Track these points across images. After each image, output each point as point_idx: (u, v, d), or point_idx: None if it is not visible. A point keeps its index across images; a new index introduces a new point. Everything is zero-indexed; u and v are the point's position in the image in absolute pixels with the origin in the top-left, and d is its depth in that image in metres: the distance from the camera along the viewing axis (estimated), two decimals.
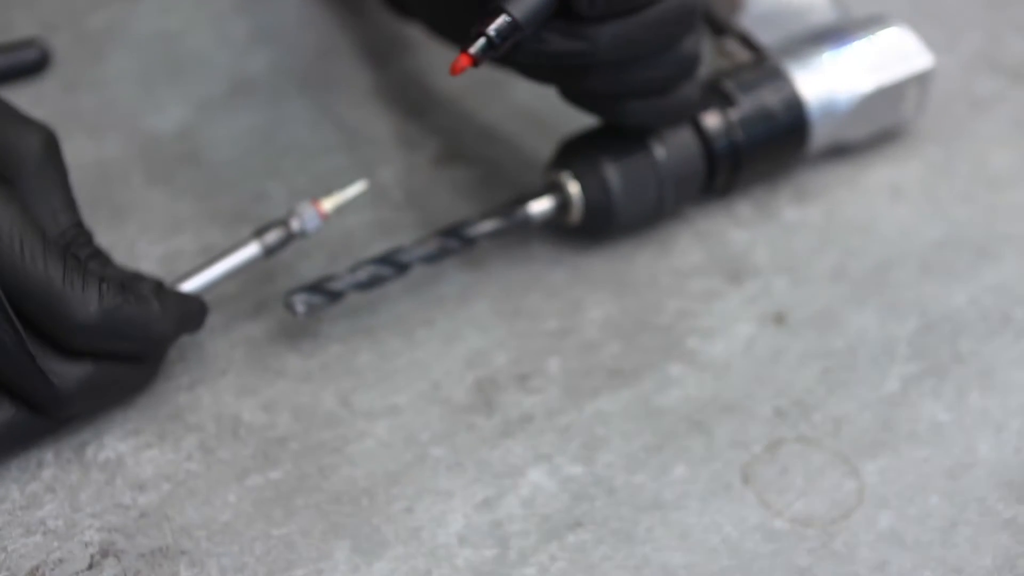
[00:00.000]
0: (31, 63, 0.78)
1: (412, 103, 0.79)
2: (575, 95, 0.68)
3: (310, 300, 0.67)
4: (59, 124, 0.67)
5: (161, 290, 0.64)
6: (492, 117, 0.79)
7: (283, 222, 0.67)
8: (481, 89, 0.80)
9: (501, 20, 0.62)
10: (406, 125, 0.78)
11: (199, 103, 0.79)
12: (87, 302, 0.60)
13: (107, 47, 0.81)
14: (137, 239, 0.72)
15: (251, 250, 0.67)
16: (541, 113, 0.78)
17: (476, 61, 0.62)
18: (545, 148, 0.76)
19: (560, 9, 0.63)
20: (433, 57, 0.81)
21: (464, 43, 0.62)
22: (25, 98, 0.75)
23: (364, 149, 0.77)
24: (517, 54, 0.64)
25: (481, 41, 0.62)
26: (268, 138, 0.77)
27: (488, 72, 0.76)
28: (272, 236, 0.67)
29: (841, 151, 0.78)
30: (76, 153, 0.73)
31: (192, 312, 0.65)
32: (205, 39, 0.82)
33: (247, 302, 0.70)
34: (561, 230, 0.73)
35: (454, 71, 0.62)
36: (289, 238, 0.67)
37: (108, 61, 0.80)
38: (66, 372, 0.61)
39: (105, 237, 0.70)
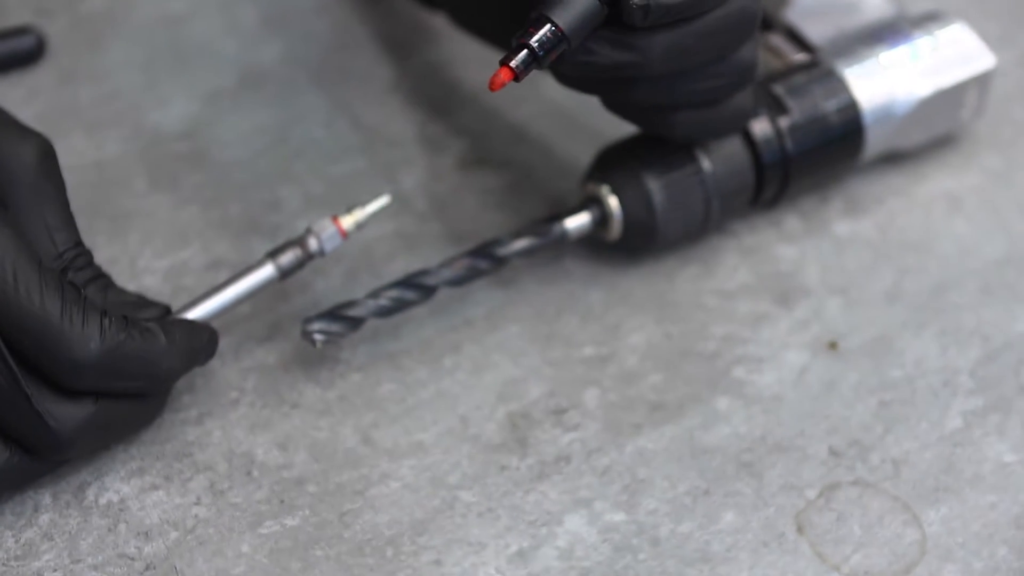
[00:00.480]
0: (25, 52, 0.75)
1: (436, 100, 0.74)
2: (620, 106, 0.63)
3: (329, 328, 0.62)
4: (55, 120, 0.63)
5: (168, 320, 0.59)
6: (522, 115, 0.74)
7: (300, 241, 0.62)
8: (510, 85, 0.74)
9: (545, 30, 0.57)
10: (429, 124, 0.73)
11: (206, 97, 0.74)
12: (87, 339, 0.55)
13: (106, 34, 0.76)
14: (139, 252, 0.67)
15: (265, 273, 0.62)
16: (575, 111, 0.74)
17: (517, 75, 0.57)
18: (579, 150, 0.71)
19: (608, 17, 0.58)
20: (458, 49, 0.76)
21: (492, 41, 0.57)
22: (18, 91, 0.73)
23: (384, 151, 0.72)
24: (562, 65, 0.59)
25: (523, 53, 0.57)
26: (280, 137, 0.72)
27: None
28: (288, 257, 0.62)
29: (894, 158, 0.73)
30: (73, 153, 0.70)
31: (201, 344, 0.60)
32: (212, 26, 0.77)
33: (259, 324, 0.65)
34: (596, 244, 0.68)
35: (493, 86, 0.57)
36: (307, 259, 0.62)
37: (107, 50, 0.76)
38: (65, 413, 0.56)
39: (105, 251, 0.66)
